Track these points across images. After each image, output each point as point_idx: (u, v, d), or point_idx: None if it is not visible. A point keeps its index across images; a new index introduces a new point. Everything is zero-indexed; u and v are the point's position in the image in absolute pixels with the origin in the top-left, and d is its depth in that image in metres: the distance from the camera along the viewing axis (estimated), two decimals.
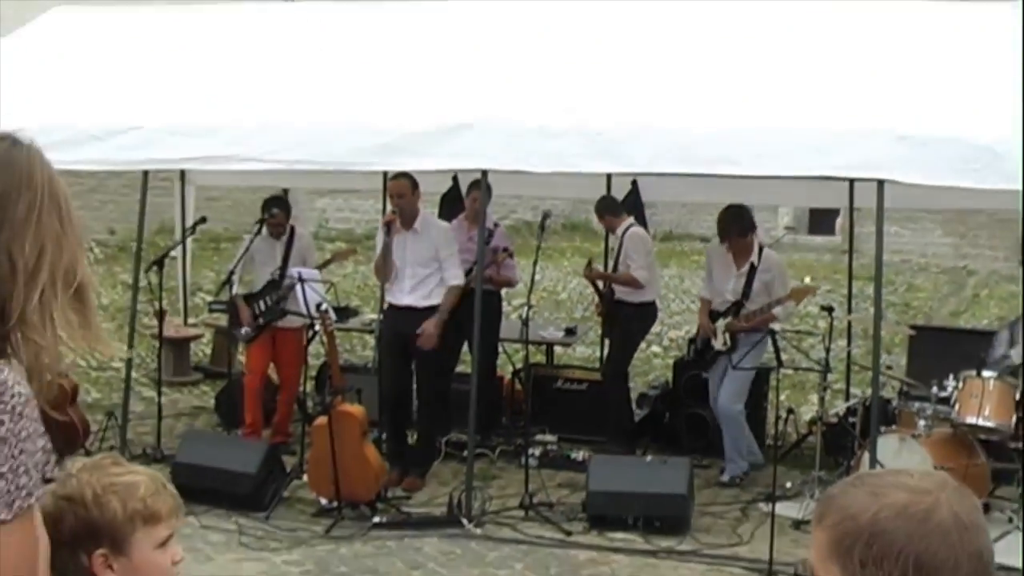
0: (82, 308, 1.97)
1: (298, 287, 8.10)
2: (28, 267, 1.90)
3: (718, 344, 8.80)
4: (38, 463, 1.87)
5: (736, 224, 8.68)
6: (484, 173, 7.85)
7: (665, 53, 8.06)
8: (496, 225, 9.53)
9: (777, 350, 7.52)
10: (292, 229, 9.26)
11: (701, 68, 7.84)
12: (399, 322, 8.41)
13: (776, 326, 8.25)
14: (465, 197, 9.46)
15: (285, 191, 10.72)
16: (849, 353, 10.29)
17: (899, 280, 18.03)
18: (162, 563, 2.29)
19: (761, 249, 8.81)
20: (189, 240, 10.89)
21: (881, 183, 6.94)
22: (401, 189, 8.29)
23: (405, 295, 8.35)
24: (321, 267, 9.34)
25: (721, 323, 8.78)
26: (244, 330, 9.05)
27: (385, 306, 8.62)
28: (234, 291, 9.10)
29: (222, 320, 10.74)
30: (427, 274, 8.34)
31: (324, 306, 7.82)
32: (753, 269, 8.69)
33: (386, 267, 8.37)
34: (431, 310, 8.29)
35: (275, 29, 9.26)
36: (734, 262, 8.78)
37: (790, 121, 7.22)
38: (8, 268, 1.89)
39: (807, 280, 9.74)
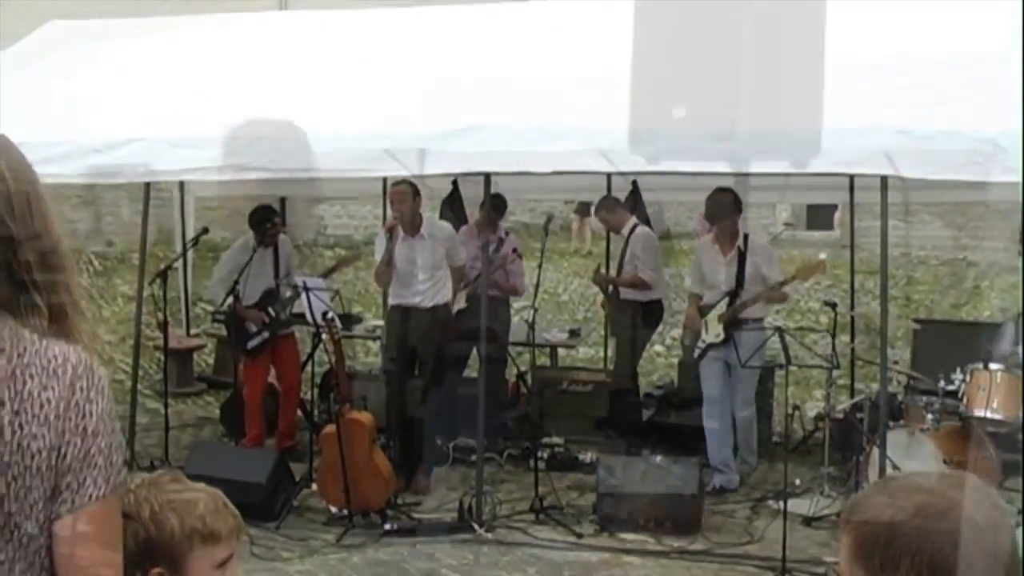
0: None
1: (303, 296, 8.09)
2: (69, 260, 1.94)
3: (709, 337, 8.63)
4: (122, 442, 1.92)
5: (727, 206, 8.52)
6: (487, 177, 7.84)
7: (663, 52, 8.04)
8: (507, 233, 9.56)
9: (785, 347, 7.50)
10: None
11: (699, 66, 7.82)
12: (406, 325, 8.41)
13: (779, 321, 8.22)
14: (479, 209, 9.46)
15: (283, 199, 10.71)
16: (853, 349, 10.27)
17: (899, 274, 18.03)
18: None
19: (746, 236, 8.70)
20: (189, 251, 10.87)
21: (884, 178, 6.92)
22: (402, 195, 8.28)
23: (417, 296, 8.36)
24: (326, 275, 9.33)
25: (713, 314, 8.60)
26: (255, 340, 9.03)
27: (388, 308, 8.61)
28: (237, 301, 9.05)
29: (225, 330, 10.72)
30: (440, 276, 8.41)
31: (330, 315, 7.81)
32: (742, 254, 8.56)
33: (388, 273, 8.37)
34: (437, 309, 8.37)
35: (271, 38, 9.26)
36: (720, 250, 8.63)
37: (791, 118, 7.16)
38: (62, 263, 1.92)
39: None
